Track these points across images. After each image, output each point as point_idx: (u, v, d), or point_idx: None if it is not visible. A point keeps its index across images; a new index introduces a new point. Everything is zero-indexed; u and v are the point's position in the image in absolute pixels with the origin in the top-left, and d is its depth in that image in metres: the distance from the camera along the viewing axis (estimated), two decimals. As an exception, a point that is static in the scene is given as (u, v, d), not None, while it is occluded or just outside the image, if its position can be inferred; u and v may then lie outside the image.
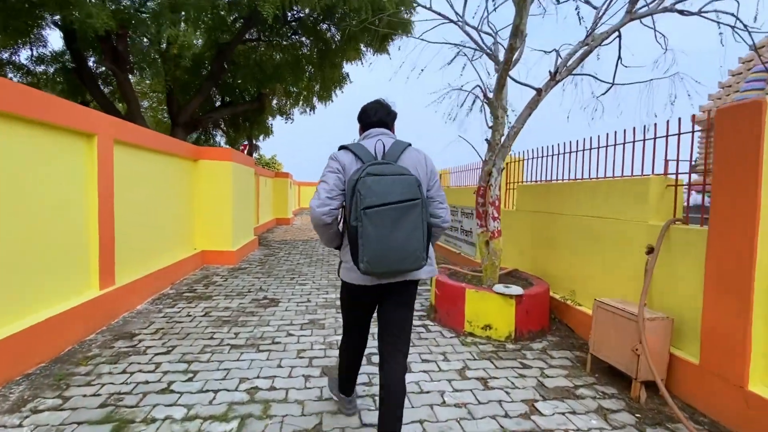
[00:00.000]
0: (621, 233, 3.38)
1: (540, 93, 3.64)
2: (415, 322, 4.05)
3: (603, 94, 4.13)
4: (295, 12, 9.40)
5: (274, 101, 11.07)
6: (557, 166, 4.40)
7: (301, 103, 11.48)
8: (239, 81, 9.52)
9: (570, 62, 3.65)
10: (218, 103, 10.79)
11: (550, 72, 3.64)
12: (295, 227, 14.27)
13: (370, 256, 1.67)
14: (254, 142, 16.33)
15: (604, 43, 3.72)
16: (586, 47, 3.66)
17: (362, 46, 9.59)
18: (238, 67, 9.32)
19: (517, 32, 3.37)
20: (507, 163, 5.34)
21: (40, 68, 8.23)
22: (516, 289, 3.59)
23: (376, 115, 2.04)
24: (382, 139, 1.92)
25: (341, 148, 1.95)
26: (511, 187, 5.47)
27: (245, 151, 12.55)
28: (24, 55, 8.05)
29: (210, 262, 6.73)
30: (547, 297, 3.85)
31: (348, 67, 10.37)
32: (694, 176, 3.34)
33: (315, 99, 11.37)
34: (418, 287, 2.14)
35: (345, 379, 2.36)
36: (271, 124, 14.04)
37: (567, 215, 4.07)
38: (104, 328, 3.80)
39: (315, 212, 1.81)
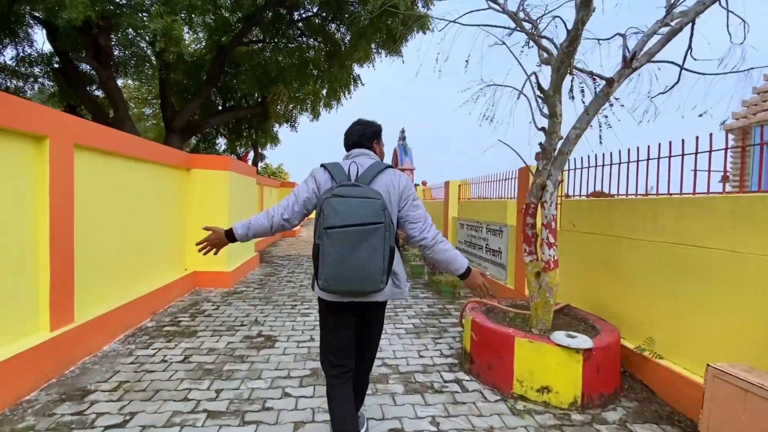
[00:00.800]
0: (733, 268, 2.51)
1: (611, 84, 2.82)
2: (446, 375, 3.20)
3: (669, 88, 3.27)
4: (301, 11, 8.74)
5: (279, 107, 10.37)
6: (606, 177, 3.57)
7: (307, 108, 10.76)
8: (242, 84, 8.81)
9: (650, 46, 2.83)
10: (219, 108, 10.10)
11: (624, 58, 2.82)
12: (300, 240, 13.50)
13: (328, 275, 1.73)
14: (260, 150, 15.69)
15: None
16: (669, 27, 2.84)
17: (373, 46, 8.89)
18: (239, 70, 8.64)
19: (590, 2, 2.56)
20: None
21: (25, 69, 7.62)
22: (583, 341, 2.72)
23: (351, 138, 2.08)
24: (358, 161, 1.96)
25: (321, 165, 1.97)
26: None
27: (247, 160, 11.76)
28: (9, 55, 7.53)
29: (202, 285, 5.95)
30: (619, 348, 2.98)
31: (359, 70, 9.65)
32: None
33: (321, 105, 10.66)
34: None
35: None
36: (277, 131, 13.37)
37: (640, 240, 3.22)
38: (54, 380, 3.00)
39: (276, 214, 1.94)
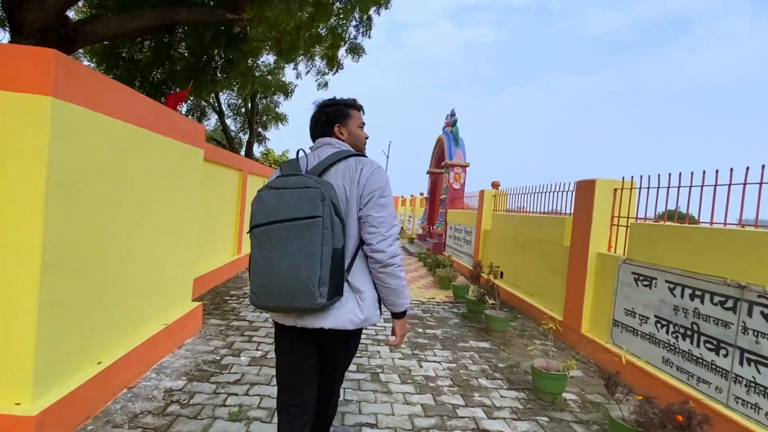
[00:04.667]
0: None
1: None
2: None
3: None
4: None
5: (262, 28, 5.92)
6: None
7: (321, 46, 6.58)
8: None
9: None
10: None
11: None
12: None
13: (256, 285, 1.42)
14: (258, 129, 11.72)
15: None
16: None
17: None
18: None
19: None
20: None
21: None
22: None
23: (311, 128, 1.72)
24: (318, 152, 1.61)
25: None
26: None
27: (180, 105, 7.23)
28: None
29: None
30: None
31: None
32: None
33: (343, 47, 6.49)
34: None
35: None
36: (280, 103, 9.31)
37: None
38: None
39: None
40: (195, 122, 3.72)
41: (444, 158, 11.27)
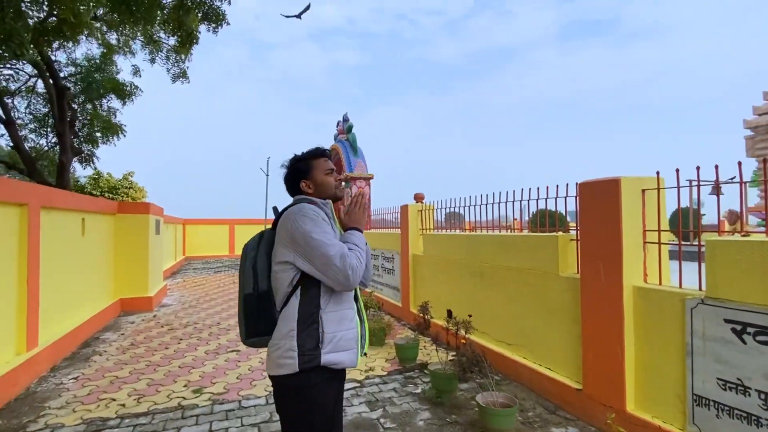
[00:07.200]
0: None
1: None
2: None
3: None
4: None
5: None
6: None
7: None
8: None
9: None
10: None
11: None
12: (165, 319, 6.47)
13: None
14: (80, 144, 8.31)
15: None
16: None
17: None
18: None
19: None
20: None
21: None
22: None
23: (287, 189, 1.73)
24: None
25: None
26: None
27: None
28: None
29: None
30: None
31: None
32: None
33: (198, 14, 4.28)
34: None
35: None
36: (116, 103, 6.42)
37: None
38: None
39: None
40: None
41: (342, 171, 9.47)
